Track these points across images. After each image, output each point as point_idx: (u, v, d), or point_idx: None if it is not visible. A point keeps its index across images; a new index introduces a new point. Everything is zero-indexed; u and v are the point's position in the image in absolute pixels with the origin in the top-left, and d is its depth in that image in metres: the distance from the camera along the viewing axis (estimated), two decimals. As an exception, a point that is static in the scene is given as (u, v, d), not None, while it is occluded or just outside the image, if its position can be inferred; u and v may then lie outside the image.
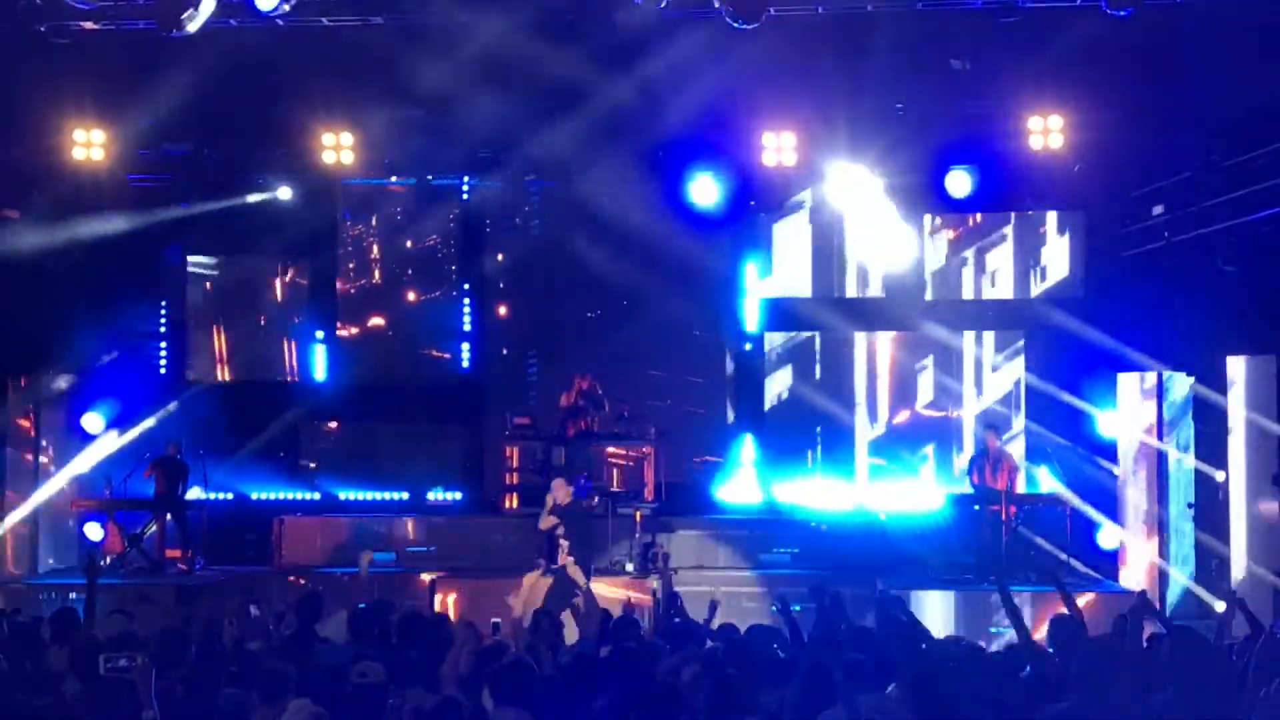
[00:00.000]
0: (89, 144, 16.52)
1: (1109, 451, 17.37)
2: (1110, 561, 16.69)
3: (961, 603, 15.37)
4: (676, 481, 18.40)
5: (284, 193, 18.61)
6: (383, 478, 19.45)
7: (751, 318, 19.31)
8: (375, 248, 20.25)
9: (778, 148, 16.94)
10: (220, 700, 7.88)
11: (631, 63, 15.44)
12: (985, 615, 15.00)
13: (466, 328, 19.92)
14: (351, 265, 20.27)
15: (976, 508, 16.42)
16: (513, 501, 18.11)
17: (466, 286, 20.03)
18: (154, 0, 13.17)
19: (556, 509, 15.55)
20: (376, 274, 20.19)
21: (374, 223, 19.83)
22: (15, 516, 17.23)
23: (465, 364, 19.95)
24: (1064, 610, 9.64)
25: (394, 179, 18.79)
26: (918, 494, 18.31)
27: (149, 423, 18.53)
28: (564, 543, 15.30)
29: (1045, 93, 15.64)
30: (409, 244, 19.97)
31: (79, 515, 17.90)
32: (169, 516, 17.39)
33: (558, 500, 15.56)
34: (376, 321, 20.33)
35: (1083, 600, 14.43)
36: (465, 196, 19.71)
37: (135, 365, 19.27)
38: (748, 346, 19.37)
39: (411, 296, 20.16)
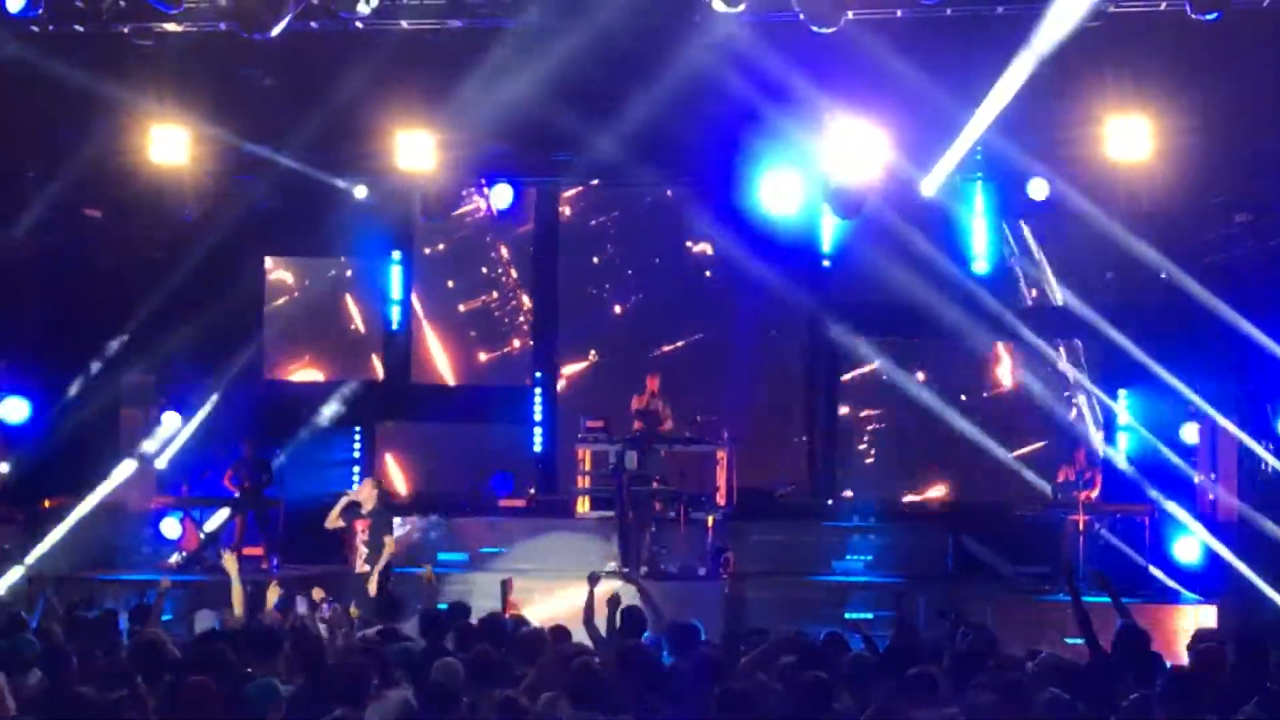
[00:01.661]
0: (170, 145, 16.66)
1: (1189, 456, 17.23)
2: (1189, 573, 16.46)
3: (1036, 612, 15.22)
4: (750, 486, 18.33)
5: (360, 192, 18.74)
6: (457, 478, 19.57)
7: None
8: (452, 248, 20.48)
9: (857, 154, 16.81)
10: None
11: (710, 67, 15.39)
12: (1061, 625, 14.83)
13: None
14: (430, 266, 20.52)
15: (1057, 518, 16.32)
16: (584, 504, 18.11)
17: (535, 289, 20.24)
18: (236, 3, 13.25)
19: (353, 510, 14.73)
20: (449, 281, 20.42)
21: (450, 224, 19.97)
22: (81, 511, 17.43)
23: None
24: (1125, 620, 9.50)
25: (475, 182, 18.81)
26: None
27: (195, 419, 18.72)
28: (363, 549, 14.63)
29: (1128, 98, 15.43)
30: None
31: (156, 512, 18.12)
32: (246, 514, 17.58)
33: (358, 500, 14.79)
34: (450, 323, 20.50)
35: (1158, 613, 14.40)
36: (541, 199, 19.87)
37: (215, 364, 19.46)
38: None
39: (462, 308, 20.31)
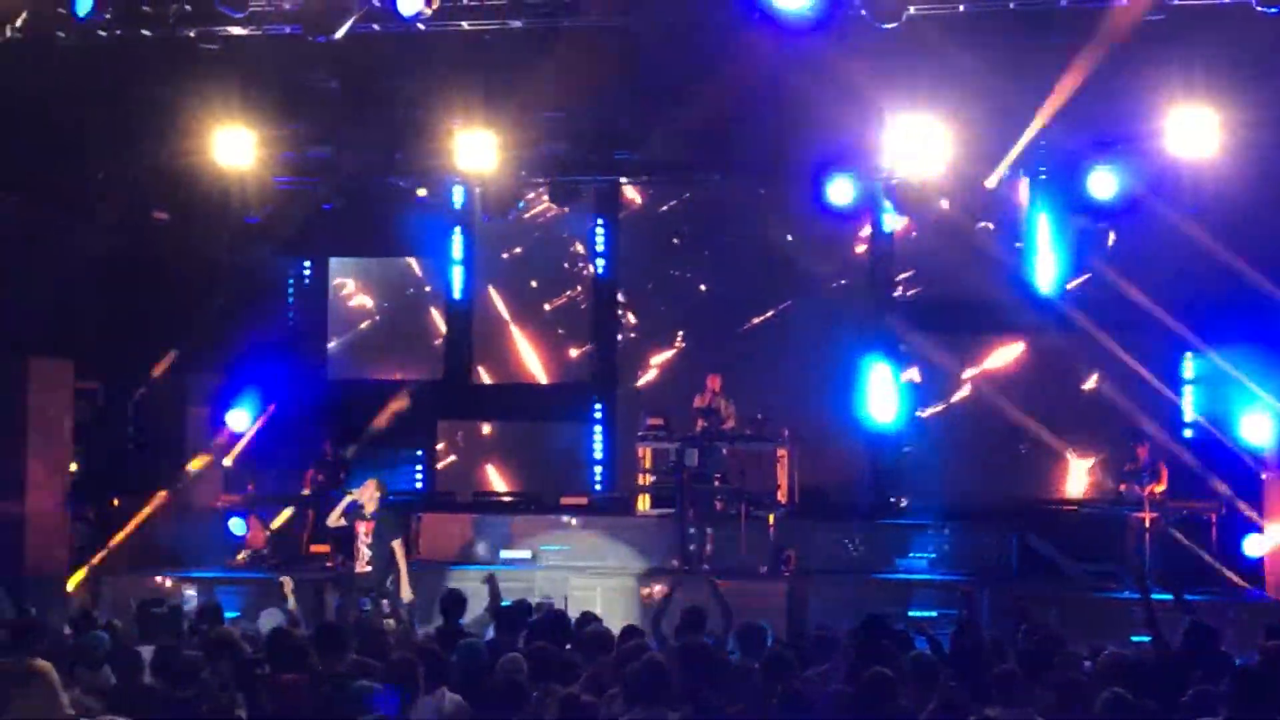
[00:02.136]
0: (235, 147, 16.82)
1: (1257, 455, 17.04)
2: (1258, 570, 16.27)
3: (1096, 609, 15.12)
4: (812, 484, 18.30)
5: (421, 193, 18.85)
6: (518, 475, 19.68)
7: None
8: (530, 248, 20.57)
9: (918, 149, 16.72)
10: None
11: (769, 65, 15.37)
12: (1125, 623, 14.71)
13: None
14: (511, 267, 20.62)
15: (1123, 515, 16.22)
16: (645, 502, 18.14)
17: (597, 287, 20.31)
18: (301, 6, 13.37)
19: (355, 511, 14.64)
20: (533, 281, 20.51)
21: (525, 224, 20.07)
22: (150, 509, 17.67)
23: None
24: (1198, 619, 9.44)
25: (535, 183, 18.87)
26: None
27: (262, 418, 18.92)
28: (365, 551, 14.51)
29: (1194, 92, 15.27)
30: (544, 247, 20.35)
31: (223, 511, 18.33)
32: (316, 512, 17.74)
33: (360, 502, 14.68)
34: (538, 322, 20.60)
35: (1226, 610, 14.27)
36: (605, 197, 19.97)
37: (280, 364, 19.64)
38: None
39: (547, 306, 20.41)
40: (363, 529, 14.54)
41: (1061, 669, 8.48)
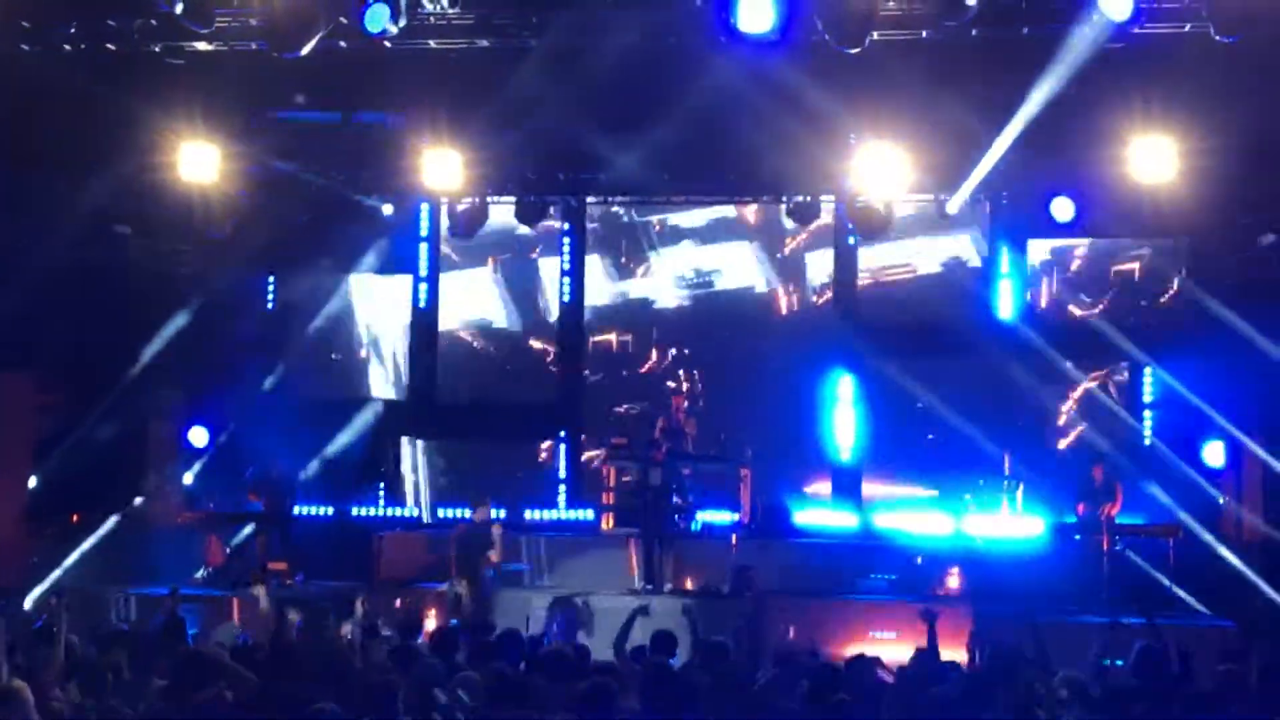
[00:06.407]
0: (200, 162, 16.77)
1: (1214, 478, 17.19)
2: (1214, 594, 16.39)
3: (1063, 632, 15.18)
4: (773, 504, 18.36)
5: (387, 210, 18.86)
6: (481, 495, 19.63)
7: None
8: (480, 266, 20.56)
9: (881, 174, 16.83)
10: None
11: (734, 86, 15.45)
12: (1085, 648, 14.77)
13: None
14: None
15: (1078, 537, 16.27)
16: (609, 522, 18.16)
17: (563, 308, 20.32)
18: (267, 22, 13.34)
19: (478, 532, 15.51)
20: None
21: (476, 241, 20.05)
22: (108, 526, 17.59)
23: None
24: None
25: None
26: (1017, 523, 18.09)
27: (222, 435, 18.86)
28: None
29: (1152, 119, 15.43)
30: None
31: (183, 527, 18.25)
32: (269, 531, 17.69)
33: (476, 520, 15.65)
34: (477, 342, 20.57)
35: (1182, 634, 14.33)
36: (569, 217, 20.01)
37: (239, 381, 19.58)
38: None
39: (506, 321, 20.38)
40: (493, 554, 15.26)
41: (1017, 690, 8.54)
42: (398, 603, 15.55)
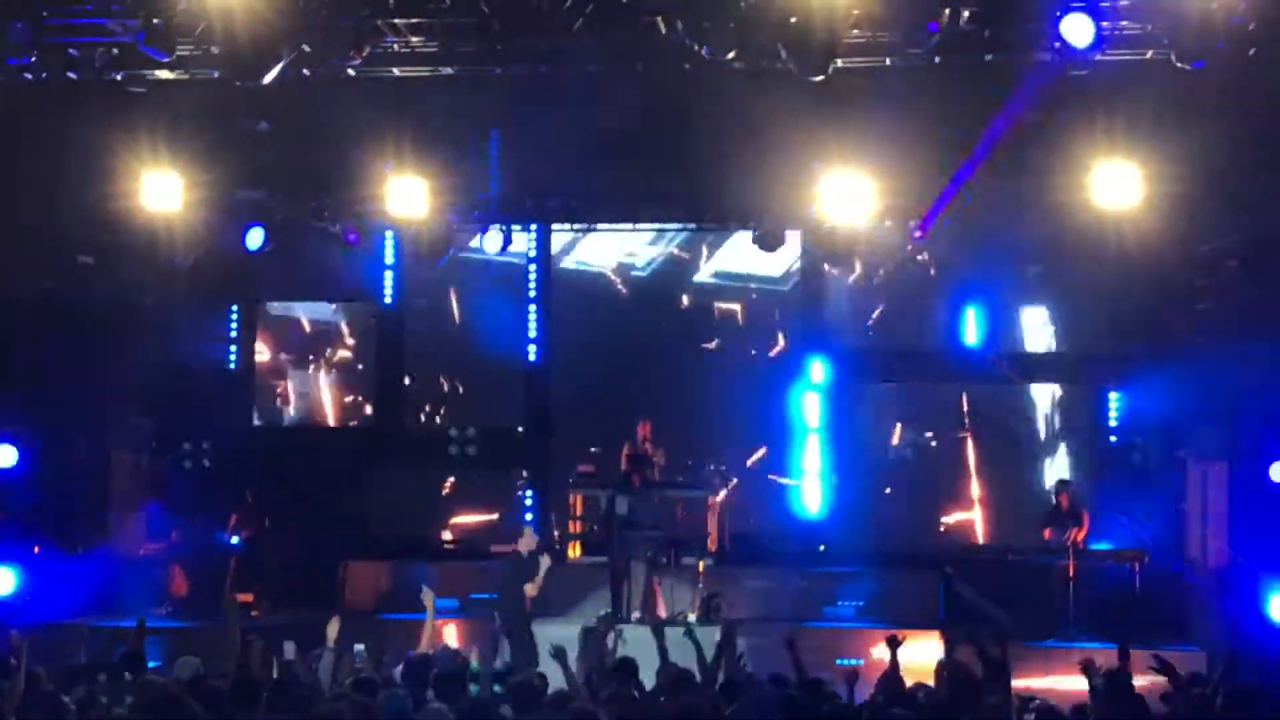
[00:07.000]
0: (163, 191, 16.68)
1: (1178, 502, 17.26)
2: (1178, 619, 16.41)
3: (1032, 659, 15.19)
4: (742, 532, 18.35)
5: (351, 237, 18.78)
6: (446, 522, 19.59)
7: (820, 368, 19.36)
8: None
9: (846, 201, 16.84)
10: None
11: (699, 113, 15.50)
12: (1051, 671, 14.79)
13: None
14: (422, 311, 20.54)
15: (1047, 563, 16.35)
16: (576, 550, 18.09)
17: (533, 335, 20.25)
18: (229, 51, 13.29)
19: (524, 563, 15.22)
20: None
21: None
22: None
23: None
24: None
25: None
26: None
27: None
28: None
29: (1116, 145, 15.49)
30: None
31: (146, 559, 18.10)
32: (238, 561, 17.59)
33: (520, 549, 15.33)
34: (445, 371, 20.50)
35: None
36: (535, 241, 20.00)
37: (208, 407, 19.46)
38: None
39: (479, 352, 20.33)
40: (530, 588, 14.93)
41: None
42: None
